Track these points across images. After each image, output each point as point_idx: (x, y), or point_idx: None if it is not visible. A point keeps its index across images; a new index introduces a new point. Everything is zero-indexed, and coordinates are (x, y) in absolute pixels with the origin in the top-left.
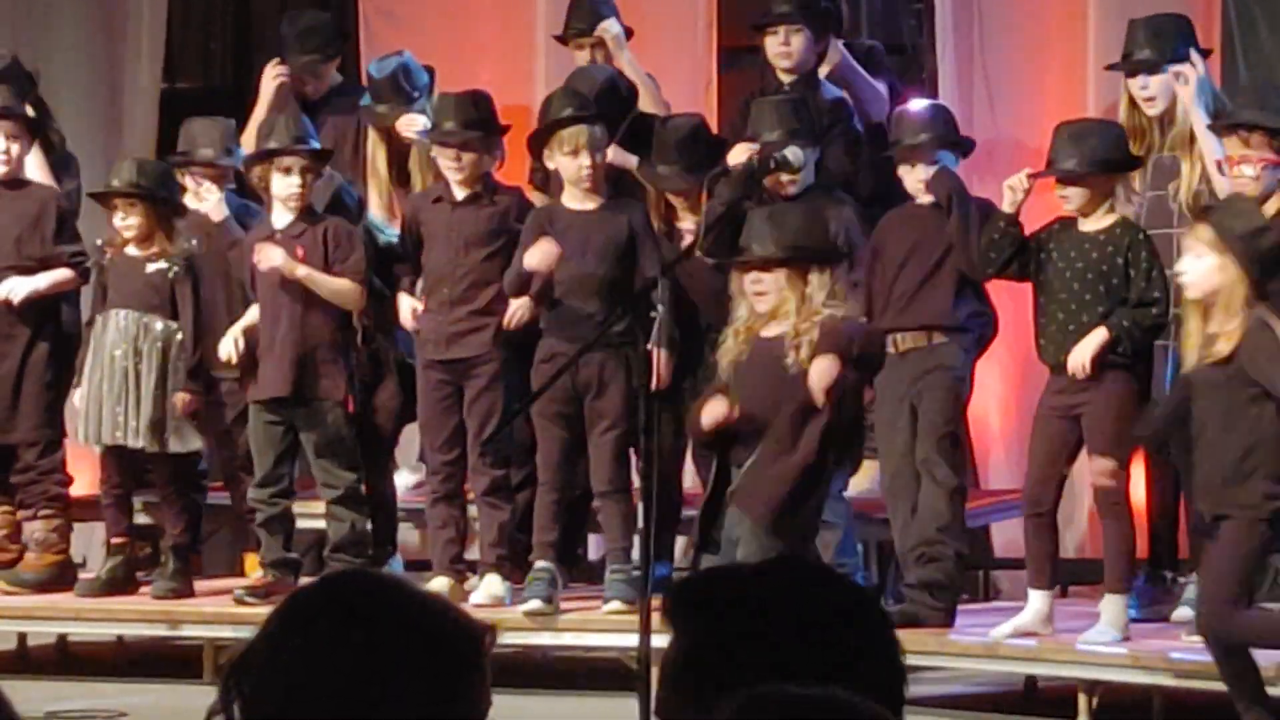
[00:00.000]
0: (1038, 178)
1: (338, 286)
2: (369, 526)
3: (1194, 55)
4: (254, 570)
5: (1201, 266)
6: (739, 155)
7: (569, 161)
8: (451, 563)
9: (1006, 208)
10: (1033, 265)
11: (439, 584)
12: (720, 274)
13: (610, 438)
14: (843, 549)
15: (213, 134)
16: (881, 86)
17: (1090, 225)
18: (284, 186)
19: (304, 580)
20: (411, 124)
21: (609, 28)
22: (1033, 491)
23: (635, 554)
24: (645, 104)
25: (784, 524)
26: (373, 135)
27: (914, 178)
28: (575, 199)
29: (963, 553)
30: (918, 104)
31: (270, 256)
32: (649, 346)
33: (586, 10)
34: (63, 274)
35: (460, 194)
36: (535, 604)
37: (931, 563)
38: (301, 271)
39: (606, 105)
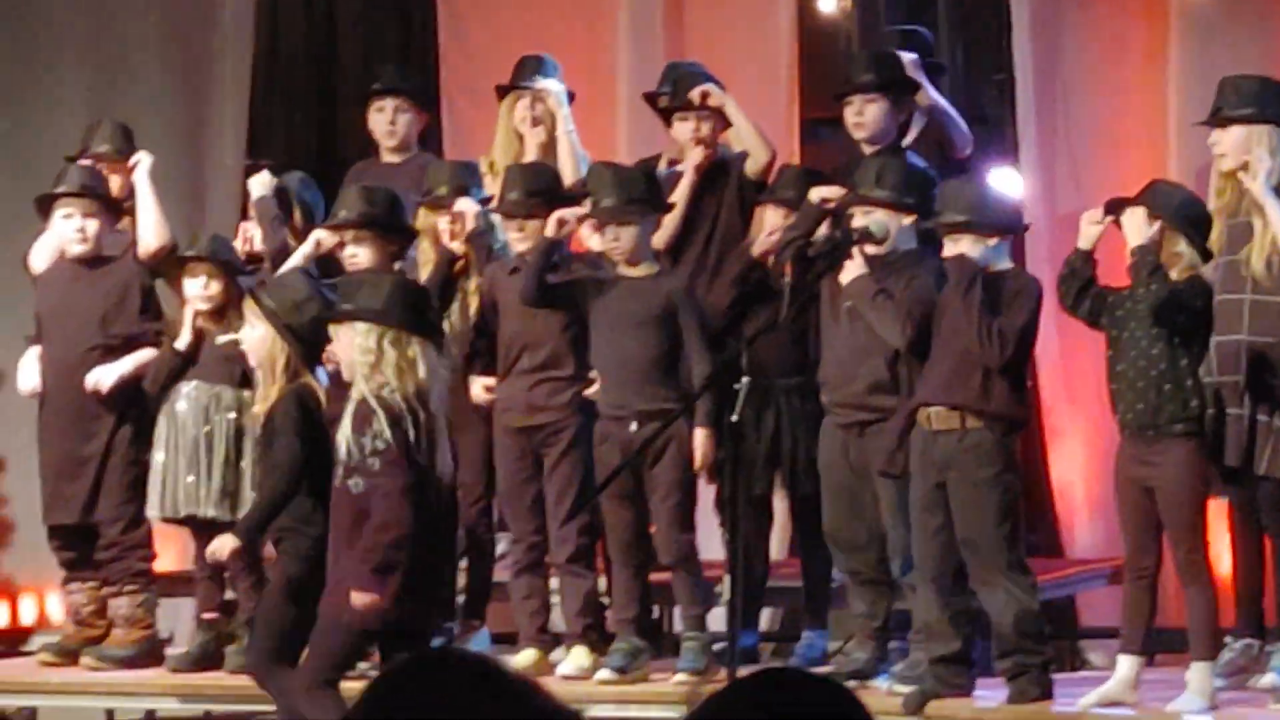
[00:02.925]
0: (1116, 211)
1: None
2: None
3: (1257, 154)
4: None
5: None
6: (819, 195)
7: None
8: (538, 634)
9: (1082, 244)
10: (1105, 319)
11: (526, 656)
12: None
13: (669, 506)
14: None
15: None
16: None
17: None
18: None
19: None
20: (467, 206)
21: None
22: (1133, 557)
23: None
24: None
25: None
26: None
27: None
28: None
29: None
30: (959, 182)
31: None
32: (733, 418)
33: (685, 77)
34: (146, 354)
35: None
36: (605, 673)
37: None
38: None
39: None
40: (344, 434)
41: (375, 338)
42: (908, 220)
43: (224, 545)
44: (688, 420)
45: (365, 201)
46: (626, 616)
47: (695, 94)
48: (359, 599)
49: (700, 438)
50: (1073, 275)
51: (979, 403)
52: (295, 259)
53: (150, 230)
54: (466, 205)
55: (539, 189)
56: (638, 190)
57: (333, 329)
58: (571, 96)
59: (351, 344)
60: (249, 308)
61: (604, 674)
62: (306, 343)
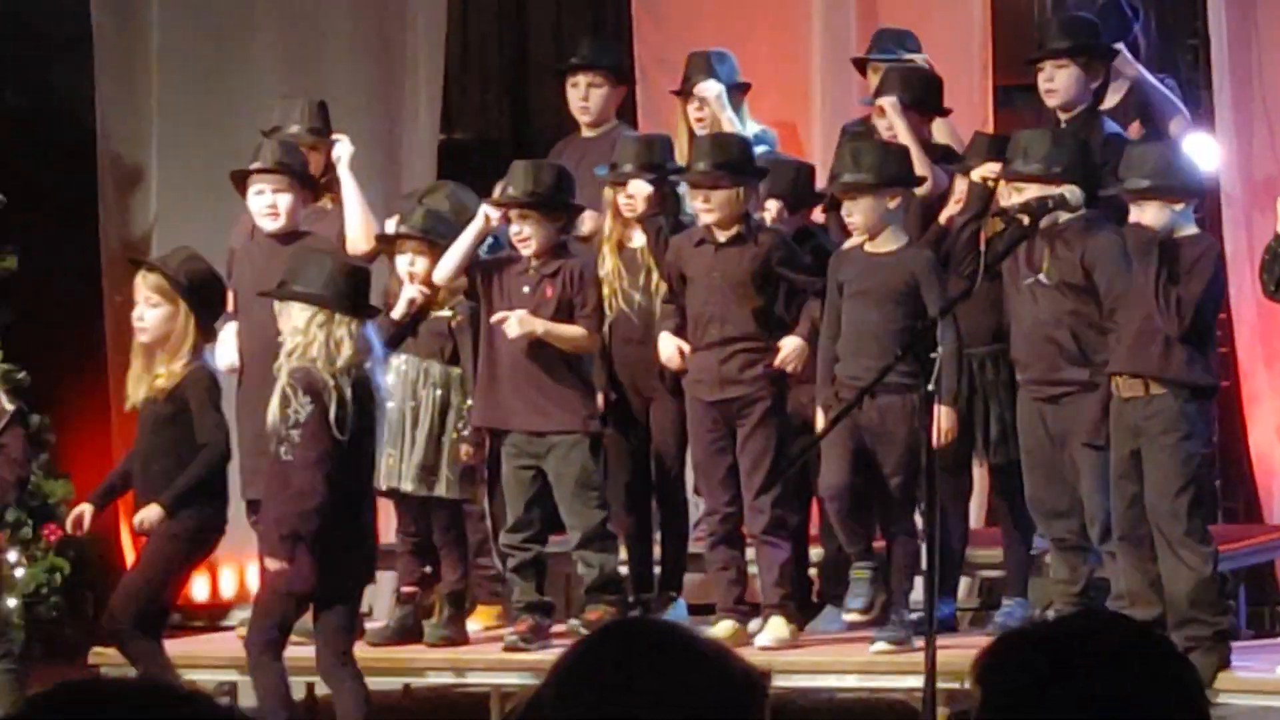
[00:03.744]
0: None
1: (574, 335)
2: (620, 567)
3: None
4: (486, 620)
5: None
6: (980, 174)
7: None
8: (735, 604)
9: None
10: None
11: (724, 628)
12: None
13: (896, 483)
14: None
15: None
16: (1173, 87)
17: None
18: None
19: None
20: (708, 90)
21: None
22: None
23: (915, 596)
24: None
25: None
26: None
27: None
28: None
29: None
30: (1144, 147)
31: (511, 327)
32: (929, 389)
33: (890, 39)
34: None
35: (722, 236)
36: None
37: None
38: (541, 329)
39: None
40: (272, 407)
41: (306, 319)
42: (1065, 189)
43: (149, 515)
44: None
45: (531, 179)
46: (859, 546)
47: (876, 107)
48: (270, 564)
49: (943, 414)
50: (1274, 260)
51: (1160, 369)
52: (465, 237)
53: (357, 231)
54: (639, 187)
55: (726, 160)
56: (879, 168)
57: (277, 306)
58: (746, 87)
59: (289, 321)
60: (150, 284)
61: (851, 616)
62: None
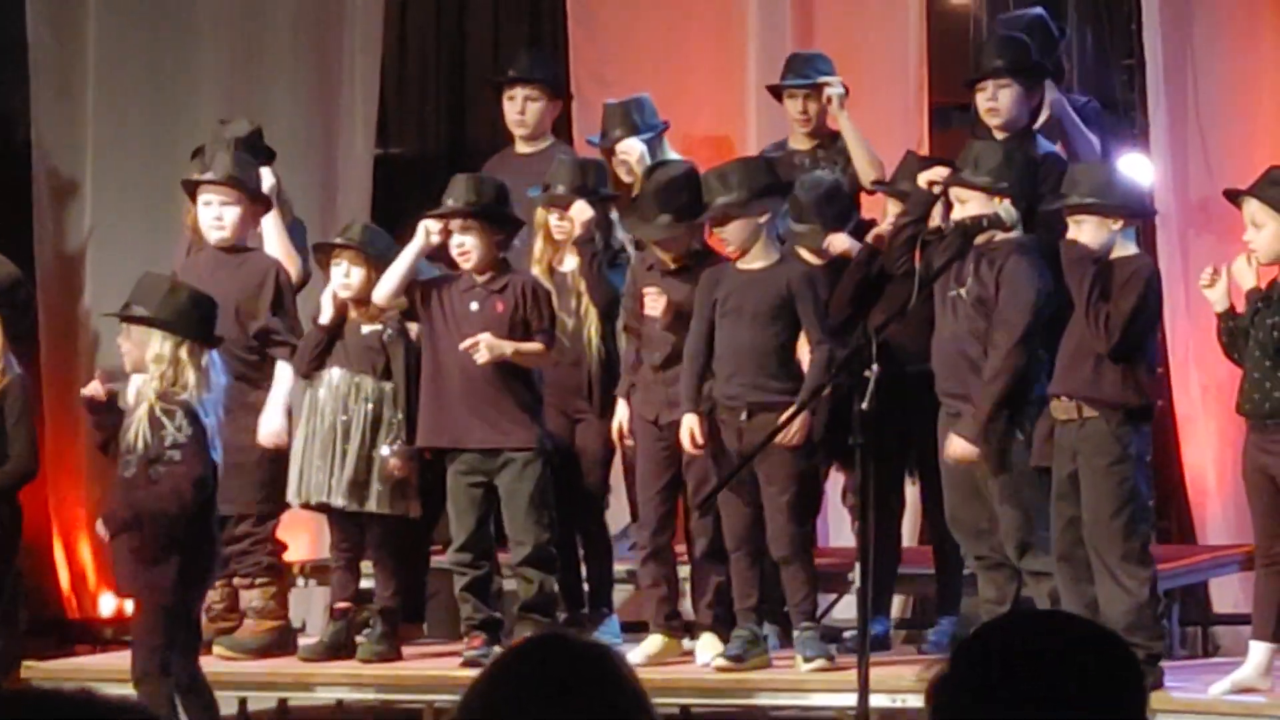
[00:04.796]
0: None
1: (536, 350)
2: (556, 588)
3: None
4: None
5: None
6: (926, 178)
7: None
8: (666, 620)
9: (1216, 308)
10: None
11: (654, 642)
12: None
13: (783, 501)
14: None
15: None
16: (1095, 139)
17: None
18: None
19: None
20: (630, 150)
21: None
22: (1263, 543)
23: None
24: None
25: None
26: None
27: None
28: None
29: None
30: (1087, 165)
31: (481, 353)
32: (863, 407)
33: (803, 63)
34: (287, 379)
35: (673, 264)
36: (722, 661)
37: None
38: (510, 349)
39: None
40: (138, 429)
41: (171, 346)
42: (1002, 204)
43: None
44: (811, 413)
45: (473, 191)
46: (747, 606)
47: (824, 96)
48: (144, 578)
49: (798, 421)
50: (1228, 335)
51: (1090, 390)
52: (407, 253)
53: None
54: (580, 210)
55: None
56: (748, 185)
57: (131, 330)
58: (664, 127)
59: (145, 346)
60: None
61: (719, 661)
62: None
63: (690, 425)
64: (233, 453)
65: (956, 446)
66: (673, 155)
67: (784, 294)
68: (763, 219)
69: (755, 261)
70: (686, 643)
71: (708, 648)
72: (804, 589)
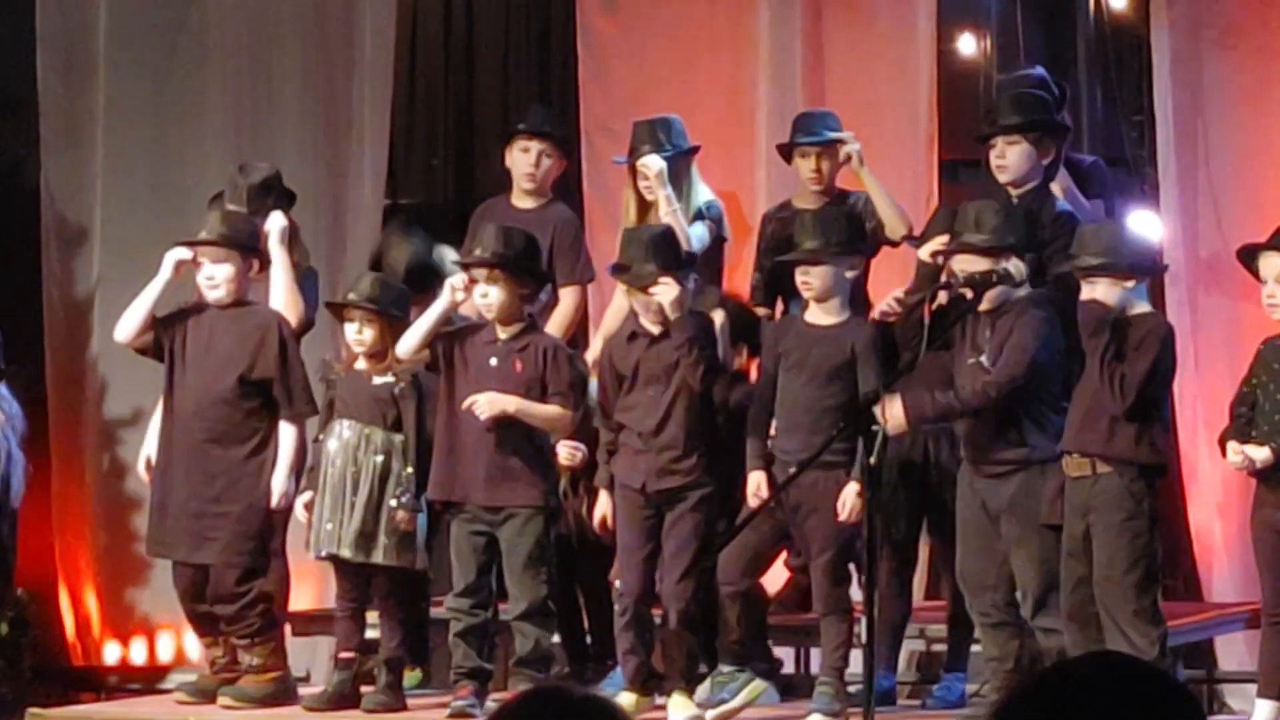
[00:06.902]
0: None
1: (548, 414)
2: (552, 643)
3: None
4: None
5: None
6: (928, 251)
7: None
8: (643, 682)
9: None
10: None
11: (625, 700)
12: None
13: (825, 560)
14: None
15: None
16: (1098, 206)
17: None
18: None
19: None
20: (649, 165)
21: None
22: (1270, 602)
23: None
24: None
25: None
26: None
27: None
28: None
29: None
30: (1096, 225)
31: (481, 409)
32: (872, 461)
33: (813, 121)
34: (291, 439)
35: (656, 329)
36: (714, 712)
37: None
38: (514, 407)
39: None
40: None
41: None
42: (1011, 261)
43: None
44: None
45: (501, 241)
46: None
47: (842, 154)
48: None
49: (850, 491)
50: (1248, 424)
51: (1104, 448)
52: (432, 313)
53: (281, 307)
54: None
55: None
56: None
57: None
58: (694, 150)
59: None
60: None
61: (711, 714)
62: None
63: (757, 482)
64: (224, 504)
65: (893, 406)
66: (700, 184)
67: (848, 355)
68: (849, 273)
69: (825, 317)
70: (658, 698)
71: (679, 708)
72: (833, 642)
